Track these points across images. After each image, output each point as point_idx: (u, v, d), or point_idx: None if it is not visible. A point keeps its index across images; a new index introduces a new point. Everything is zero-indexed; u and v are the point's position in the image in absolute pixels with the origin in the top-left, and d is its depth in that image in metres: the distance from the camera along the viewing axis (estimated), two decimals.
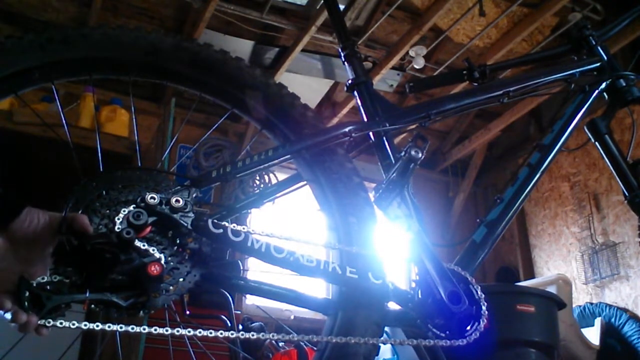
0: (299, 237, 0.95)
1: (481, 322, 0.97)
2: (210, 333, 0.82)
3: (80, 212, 0.81)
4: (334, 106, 4.59)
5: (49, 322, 0.73)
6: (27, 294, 0.72)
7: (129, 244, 0.79)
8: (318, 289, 3.64)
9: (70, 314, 0.76)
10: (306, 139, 1.05)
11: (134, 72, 1.04)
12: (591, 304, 3.91)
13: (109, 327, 0.76)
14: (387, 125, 1.13)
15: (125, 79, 1.04)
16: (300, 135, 1.07)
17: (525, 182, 1.19)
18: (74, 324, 0.74)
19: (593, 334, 3.45)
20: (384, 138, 1.14)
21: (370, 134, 1.15)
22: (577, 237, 4.29)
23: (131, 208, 0.82)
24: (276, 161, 1.01)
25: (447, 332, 0.97)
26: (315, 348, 1.04)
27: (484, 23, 3.63)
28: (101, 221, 0.82)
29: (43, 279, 0.75)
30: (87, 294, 0.76)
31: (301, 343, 2.59)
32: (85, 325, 0.75)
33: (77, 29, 0.98)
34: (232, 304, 2.29)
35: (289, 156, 1.04)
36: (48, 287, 0.74)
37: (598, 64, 1.36)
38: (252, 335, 0.90)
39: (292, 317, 3.99)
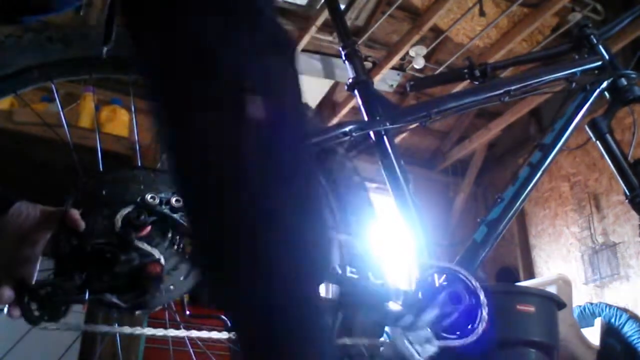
0: None
1: (481, 322, 0.97)
2: (211, 334, 0.82)
3: (80, 211, 0.80)
4: (334, 106, 4.58)
5: (49, 322, 0.73)
6: (27, 294, 0.71)
7: (129, 244, 0.79)
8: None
9: (70, 314, 0.76)
10: (306, 139, 1.05)
11: (134, 71, 1.03)
12: (591, 304, 3.91)
13: (109, 328, 0.76)
14: (388, 124, 1.13)
15: (125, 78, 1.04)
16: None
17: (526, 181, 1.18)
18: (74, 324, 0.74)
19: (593, 334, 3.45)
20: (385, 137, 1.14)
21: (371, 133, 1.14)
22: (577, 237, 4.29)
23: (131, 208, 0.81)
24: None
25: (448, 332, 0.96)
26: None
27: (484, 23, 3.63)
28: (101, 221, 0.81)
29: (43, 279, 0.75)
30: (87, 294, 0.76)
31: None
32: (85, 325, 0.75)
33: (77, 29, 0.97)
34: None
35: None
36: (48, 288, 0.74)
37: (599, 63, 1.36)
38: None
39: None
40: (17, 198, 0.73)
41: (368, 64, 3.95)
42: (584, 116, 1.29)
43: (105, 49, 0.79)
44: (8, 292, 0.70)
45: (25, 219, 0.73)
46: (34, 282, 0.73)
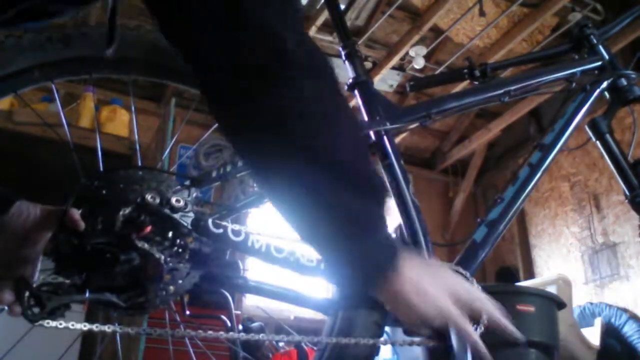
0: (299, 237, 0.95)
1: (481, 322, 0.97)
2: (211, 333, 0.82)
3: (80, 211, 0.80)
4: None
5: (48, 323, 0.73)
6: (27, 294, 0.71)
7: (129, 243, 0.79)
8: (318, 289, 3.63)
9: (70, 314, 0.76)
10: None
11: (134, 71, 1.03)
12: (591, 304, 3.91)
13: (108, 327, 0.76)
14: (388, 124, 1.13)
15: (125, 78, 1.04)
16: None
17: (526, 181, 1.18)
18: (73, 325, 0.74)
19: (593, 334, 3.44)
20: (385, 137, 1.13)
21: (371, 133, 1.14)
22: (577, 237, 4.29)
23: (131, 208, 0.81)
24: None
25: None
26: (315, 348, 1.04)
27: (484, 23, 3.63)
28: (101, 221, 0.81)
29: (43, 279, 0.75)
30: (87, 294, 0.76)
31: (301, 343, 2.59)
32: (85, 325, 0.75)
33: (77, 28, 0.97)
34: (232, 304, 2.28)
35: None
36: (48, 288, 0.74)
37: (599, 63, 1.36)
38: (252, 336, 0.89)
39: (292, 317, 3.99)
40: (17, 198, 0.73)
41: (368, 64, 3.95)
42: (584, 116, 1.29)
43: (109, 51, 0.79)
44: (8, 296, 0.70)
45: (26, 219, 0.73)
46: (34, 281, 0.73)
